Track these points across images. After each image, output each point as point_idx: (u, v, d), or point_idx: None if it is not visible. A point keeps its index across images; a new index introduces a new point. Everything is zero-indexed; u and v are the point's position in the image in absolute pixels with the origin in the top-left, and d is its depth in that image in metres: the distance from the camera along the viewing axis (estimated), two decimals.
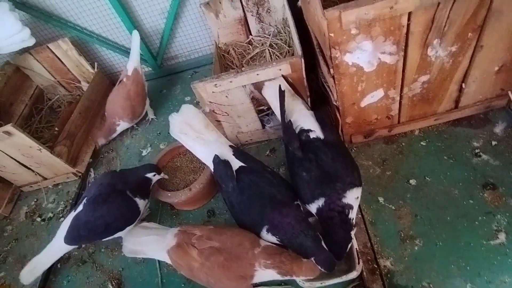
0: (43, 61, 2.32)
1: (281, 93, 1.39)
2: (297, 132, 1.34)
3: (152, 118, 2.28)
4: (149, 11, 2.22)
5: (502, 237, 1.20)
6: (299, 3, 1.79)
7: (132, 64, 2.03)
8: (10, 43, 2.01)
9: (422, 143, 1.55)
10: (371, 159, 1.58)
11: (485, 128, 1.51)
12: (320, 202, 1.18)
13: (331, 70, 1.29)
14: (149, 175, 1.55)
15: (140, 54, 2.41)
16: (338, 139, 1.36)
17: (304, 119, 1.38)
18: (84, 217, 1.47)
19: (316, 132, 1.31)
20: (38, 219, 2.00)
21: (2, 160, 1.91)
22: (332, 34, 1.15)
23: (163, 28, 2.30)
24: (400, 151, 1.57)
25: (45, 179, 2.08)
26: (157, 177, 1.58)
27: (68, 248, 1.54)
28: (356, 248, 1.22)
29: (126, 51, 2.41)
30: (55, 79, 2.42)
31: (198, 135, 1.43)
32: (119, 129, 2.14)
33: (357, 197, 1.21)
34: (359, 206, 1.43)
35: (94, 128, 2.23)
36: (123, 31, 2.31)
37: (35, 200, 2.11)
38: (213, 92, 1.57)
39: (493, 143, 1.45)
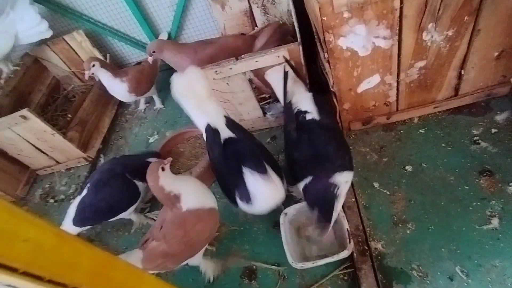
0: (59, 52, 2.44)
1: (285, 74, 1.42)
2: (294, 113, 1.38)
3: (160, 108, 2.36)
4: (159, 4, 2.30)
5: (495, 222, 1.19)
6: None
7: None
8: (29, 35, 2.14)
9: (420, 130, 1.55)
10: (369, 146, 1.59)
11: (486, 116, 1.49)
12: (307, 180, 1.21)
13: (326, 55, 1.31)
14: (150, 159, 1.61)
15: None
16: (333, 122, 1.38)
17: (302, 101, 1.41)
18: (88, 201, 1.56)
19: (313, 114, 1.34)
20: (51, 201, 2.12)
21: (19, 144, 2.03)
22: (325, 18, 1.18)
23: (172, 21, 2.38)
24: (398, 138, 1.57)
25: (58, 163, 2.19)
26: None
27: (77, 229, 1.63)
28: (347, 228, 1.25)
29: (136, 43, 2.51)
30: (70, 69, 2.54)
31: (200, 104, 1.37)
32: (117, 86, 2.04)
33: (346, 181, 1.22)
34: (354, 190, 1.45)
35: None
36: (134, 24, 2.40)
37: (49, 183, 2.24)
38: (214, 79, 1.62)
39: (493, 130, 1.44)
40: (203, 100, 1.39)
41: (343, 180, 1.20)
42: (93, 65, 1.94)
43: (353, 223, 1.33)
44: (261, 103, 1.81)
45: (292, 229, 1.41)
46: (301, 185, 1.25)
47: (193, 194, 1.25)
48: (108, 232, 1.81)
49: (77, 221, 1.58)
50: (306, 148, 1.25)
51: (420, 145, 1.50)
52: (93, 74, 1.97)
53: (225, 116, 1.40)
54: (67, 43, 2.38)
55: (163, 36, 2.41)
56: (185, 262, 1.33)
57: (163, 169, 1.19)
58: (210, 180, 1.79)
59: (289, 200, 1.44)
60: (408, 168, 1.44)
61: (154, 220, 1.76)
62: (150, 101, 2.41)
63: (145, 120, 2.34)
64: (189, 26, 2.44)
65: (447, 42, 1.28)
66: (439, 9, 1.16)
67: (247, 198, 1.23)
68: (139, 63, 2.21)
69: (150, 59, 1.88)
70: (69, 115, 2.17)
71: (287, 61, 1.51)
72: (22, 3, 2.03)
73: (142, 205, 1.80)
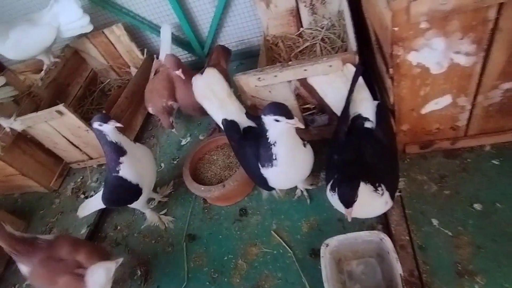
0: (98, 45, 2.41)
1: (358, 69, 1.25)
2: (352, 117, 1.24)
3: None
4: (200, 0, 2.19)
5: None
6: None
7: (164, 52, 1.98)
8: (70, 28, 2.12)
9: (494, 161, 1.32)
10: (427, 173, 1.39)
11: None
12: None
13: (390, 70, 1.12)
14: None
15: (188, 43, 2.42)
16: (389, 138, 1.21)
17: (365, 106, 1.25)
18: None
19: (372, 123, 1.19)
20: (82, 196, 2.11)
21: (55, 137, 2.03)
22: (396, 29, 0.99)
23: (212, 17, 2.26)
24: (463, 168, 1.35)
25: (91, 158, 2.18)
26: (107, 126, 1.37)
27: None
28: (400, 274, 1.07)
29: (175, 39, 2.42)
30: (108, 63, 2.51)
31: (221, 104, 1.40)
32: (176, 107, 1.95)
33: (386, 202, 1.07)
34: (407, 225, 1.27)
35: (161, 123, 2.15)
36: (173, 19, 2.31)
37: (81, 177, 2.23)
38: (256, 86, 1.48)
39: None
40: (224, 99, 1.41)
41: (384, 200, 1.05)
42: None
43: (406, 267, 1.15)
44: (304, 114, 1.65)
45: (333, 262, 1.26)
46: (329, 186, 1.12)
47: None
48: (134, 236, 1.75)
49: (104, 199, 1.56)
50: (350, 153, 1.12)
51: (493, 179, 1.28)
52: None
53: (246, 113, 1.42)
54: (106, 36, 2.34)
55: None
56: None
57: None
58: (244, 194, 1.67)
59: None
60: (477, 206, 1.23)
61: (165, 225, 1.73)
62: None
63: (178, 120, 2.26)
64: (230, 24, 2.31)
65: None
66: None
67: (267, 162, 1.20)
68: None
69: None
70: (104, 111, 2.13)
71: (360, 65, 1.31)
72: None
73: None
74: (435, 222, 1.25)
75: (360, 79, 1.28)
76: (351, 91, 1.24)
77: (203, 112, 1.54)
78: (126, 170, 1.43)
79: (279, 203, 1.60)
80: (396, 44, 1.03)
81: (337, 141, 1.22)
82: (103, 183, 1.60)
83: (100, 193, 1.60)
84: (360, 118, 1.22)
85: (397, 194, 1.33)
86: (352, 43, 1.39)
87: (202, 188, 1.55)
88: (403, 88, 1.18)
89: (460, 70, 1.09)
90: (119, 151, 1.40)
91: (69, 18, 2.04)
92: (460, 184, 1.31)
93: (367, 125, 1.19)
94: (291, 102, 1.55)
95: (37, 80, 2.24)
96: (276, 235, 1.49)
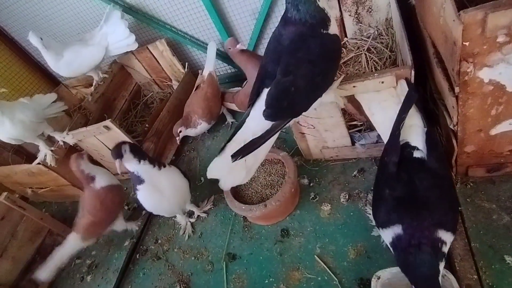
0: (142, 60, 2.50)
1: (410, 96, 1.15)
2: (401, 144, 1.14)
3: (232, 122, 2.25)
4: (240, 12, 2.18)
5: None
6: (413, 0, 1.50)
7: (207, 69, 2.09)
8: (118, 47, 2.22)
9: None
10: (496, 201, 1.23)
11: None
12: (396, 229, 0.98)
13: (456, 89, 1.00)
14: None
15: (229, 56, 2.42)
16: (444, 168, 1.09)
17: (414, 134, 1.15)
18: None
19: (422, 152, 1.10)
20: (126, 207, 2.17)
21: (102, 150, 2.12)
22: (467, 43, 0.88)
23: (253, 29, 2.24)
24: None
25: None
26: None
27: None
28: None
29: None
30: (151, 77, 2.59)
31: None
32: (199, 128, 2.10)
33: (449, 242, 0.96)
34: (474, 261, 1.12)
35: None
36: (213, 32, 2.33)
37: (125, 188, 2.29)
38: None
39: None
40: None
41: (447, 240, 0.94)
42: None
43: None
44: (350, 131, 1.55)
45: None
46: (387, 235, 1.02)
47: (104, 175, 1.74)
48: (175, 252, 1.76)
49: None
50: (402, 188, 1.03)
51: None
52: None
53: None
54: (150, 51, 2.41)
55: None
56: (111, 227, 1.80)
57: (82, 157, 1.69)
58: (285, 214, 1.61)
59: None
60: None
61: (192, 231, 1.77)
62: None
63: (217, 133, 2.26)
64: (270, 35, 2.26)
65: None
66: None
67: None
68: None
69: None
70: (147, 125, 2.18)
71: (414, 87, 1.20)
72: (114, 18, 2.11)
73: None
74: (508, 259, 1.09)
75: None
76: (402, 117, 1.13)
77: None
78: (141, 197, 1.58)
79: (323, 224, 1.51)
80: (466, 60, 0.92)
81: (387, 173, 1.11)
82: None
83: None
84: (408, 147, 1.12)
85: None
86: (407, 56, 1.27)
87: (243, 207, 1.51)
88: (470, 107, 1.05)
89: None
90: (137, 180, 1.54)
91: (116, 38, 2.14)
92: None
93: (417, 154, 1.09)
94: (337, 118, 1.46)
95: (87, 95, 2.36)
96: (320, 260, 1.40)
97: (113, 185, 1.74)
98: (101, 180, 1.70)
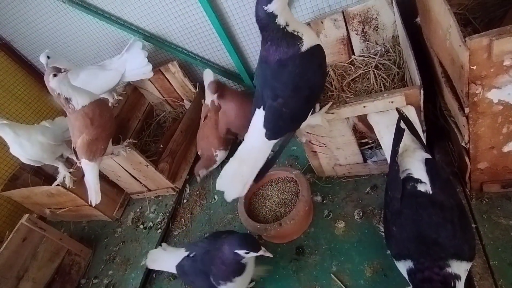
0: (155, 82, 2.58)
1: (399, 130, 1.17)
2: (403, 177, 1.11)
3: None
4: (249, 33, 2.25)
5: None
6: (419, 19, 1.54)
7: (209, 97, 2.14)
8: (134, 74, 2.30)
9: None
10: None
11: None
12: (408, 263, 0.99)
13: (466, 110, 1.03)
14: (240, 252, 1.23)
15: (238, 74, 2.49)
16: (451, 199, 1.04)
17: (415, 164, 1.13)
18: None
19: (426, 185, 1.06)
20: (141, 226, 2.21)
21: (118, 171, 2.18)
22: (474, 67, 0.91)
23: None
24: None
25: (149, 190, 2.29)
26: (252, 254, 1.25)
27: None
28: None
29: (225, 72, 2.51)
30: (163, 97, 2.67)
31: None
32: (219, 159, 2.11)
33: (466, 269, 0.96)
34: (494, 279, 1.11)
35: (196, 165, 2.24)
36: (224, 53, 2.40)
37: (140, 207, 2.35)
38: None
39: None
40: None
41: (462, 268, 0.93)
42: None
43: None
44: (362, 148, 1.58)
45: None
46: (402, 266, 1.03)
47: (82, 94, 1.71)
48: None
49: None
50: (409, 227, 1.01)
51: None
52: None
53: None
54: (162, 73, 2.49)
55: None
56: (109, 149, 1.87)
57: (55, 75, 1.60)
58: (300, 232, 1.62)
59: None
60: None
61: None
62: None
63: (230, 152, 2.30)
64: None
65: None
66: None
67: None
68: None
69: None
70: (161, 145, 2.24)
71: (402, 116, 1.20)
72: (136, 48, 2.21)
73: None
74: None
75: (408, 132, 1.19)
76: (395, 150, 1.15)
77: None
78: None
79: (338, 242, 1.52)
80: (474, 82, 0.94)
81: (392, 210, 1.10)
82: None
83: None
84: (411, 180, 1.08)
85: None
86: (416, 76, 1.30)
87: (258, 226, 1.53)
88: (481, 126, 1.07)
89: None
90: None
91: (134, 65, 2.22)
92: None
93: (421, 188, 1.05)
94: (348, 137, 1.49)
95: None
96: (336, 279, 1.41)
97: (97, 100, 1.77)
98: (83, 100, 1.70)
